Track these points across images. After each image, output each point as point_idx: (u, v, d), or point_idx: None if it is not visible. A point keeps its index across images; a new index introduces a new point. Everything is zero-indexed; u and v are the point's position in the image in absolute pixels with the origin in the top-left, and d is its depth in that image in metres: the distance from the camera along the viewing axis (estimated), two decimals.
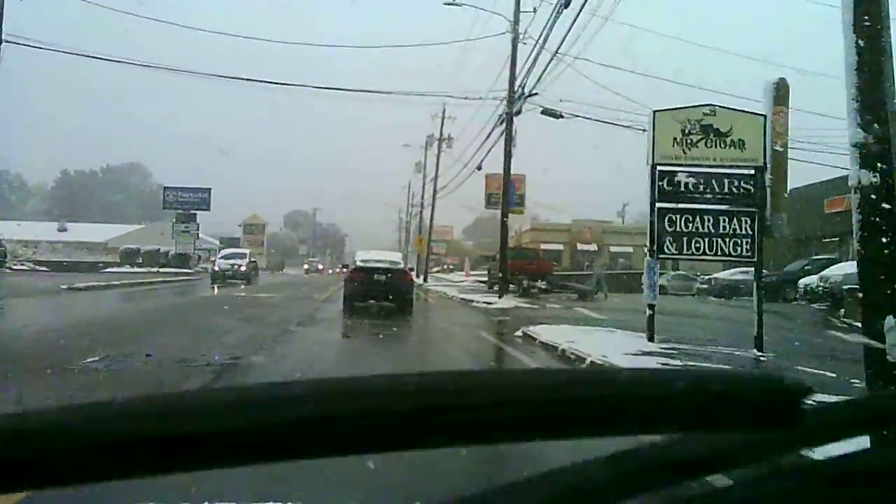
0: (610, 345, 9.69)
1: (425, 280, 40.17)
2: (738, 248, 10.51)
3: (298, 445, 0.41)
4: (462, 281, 40.82)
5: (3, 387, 6.04)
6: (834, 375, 8.08)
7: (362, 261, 17.33)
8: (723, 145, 10.60)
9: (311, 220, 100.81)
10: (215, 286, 27.67)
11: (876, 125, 5.18)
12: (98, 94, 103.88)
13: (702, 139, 10.62)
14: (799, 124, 14.48)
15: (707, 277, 32.51)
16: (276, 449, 0.41)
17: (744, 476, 0.48)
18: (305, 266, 71.71)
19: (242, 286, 27.93)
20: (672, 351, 9.38)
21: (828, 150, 26.09)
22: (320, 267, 74.22)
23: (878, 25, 5.26)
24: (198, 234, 46.98)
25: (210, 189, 48.77)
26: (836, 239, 30.12)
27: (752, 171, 10.54)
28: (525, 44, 19.56)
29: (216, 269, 31.12)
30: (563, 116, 19.40)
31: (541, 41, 17.43)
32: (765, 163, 10.52)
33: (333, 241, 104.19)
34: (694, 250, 10.56)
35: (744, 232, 10.51)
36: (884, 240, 5.10)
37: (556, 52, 17.06)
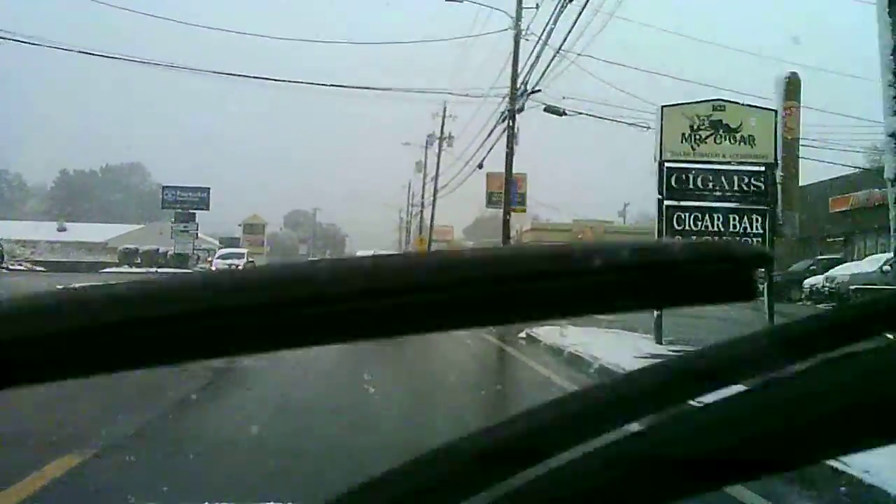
0: (618, 347, 9.39)
1: None
2: None
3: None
4: None
5: None
6: None
7: None
8: (732, 141, 10.33)
9: (311, 220, 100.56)
10: None
11: None
12: (98, 94, 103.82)
13: (711, 135, 10.34)
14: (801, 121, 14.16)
15: None
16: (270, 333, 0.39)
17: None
18: None
19: None
20: (681, 353, 9.07)
21: (829, 147, 25.83)
22: None
23: None
24: (196, 234, 46.72)
25: (209, 188, 48.53)
26: (841, 239, 29.85)
27: (763, 168, 10.27)
28: (527, 40, 19.27)
29: (212, 269, 30.76)
30: (566, 114, 19.12)
31: (544, 37, 17.15)
32: (776, 159, 10.23)
33: (333, 241, 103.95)
34: None
35: (755, 231, 10.24)
36: None
37: (560, 48, 16.78)
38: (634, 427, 0.39)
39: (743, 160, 10.31)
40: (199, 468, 3.62)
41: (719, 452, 0.38)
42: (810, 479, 3.51)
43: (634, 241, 0.40)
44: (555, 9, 16.02)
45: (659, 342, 10.13)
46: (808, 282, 23.75)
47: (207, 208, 47.95)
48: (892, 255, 10.21)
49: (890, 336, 0.41)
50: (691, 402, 0.40)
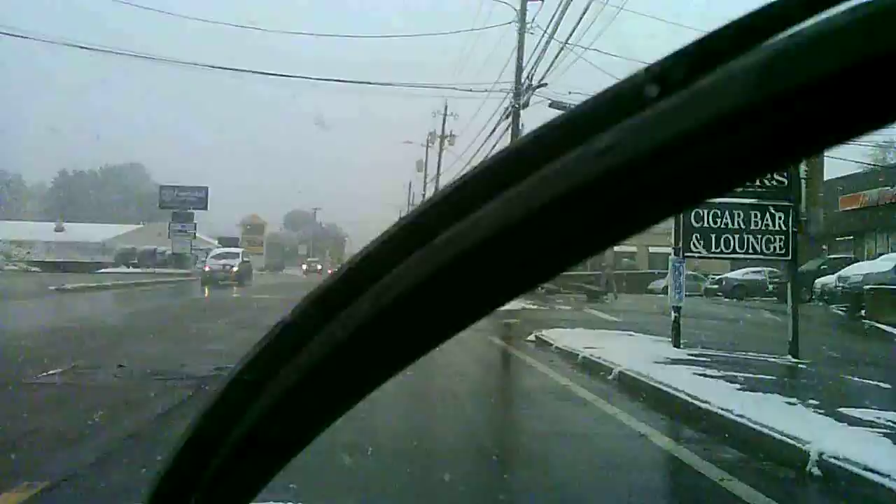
0: (634, 351, 8.83)
1: None
2: (772, 246, 9.68)
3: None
4: None
5: None
6: (889, 386, 7.26)
7: None
8: None
9: (311, 220, 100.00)
10: (206, 288, 26.61)
11: None
12: (98, 94, 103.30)
13: None
14: None
15: (717, 277, 31.60)
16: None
17: None
18: (304, 266, 70.68)
19: (235, 288, 26.94)
20: (704, 358, 8.52)
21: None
22: (319, 268, 73.19)
23: None
24: (195, 234, 46.15)
25: (207, 188, 48.00)
26: (851, 238, 29.26)
27: None
28: (532, 34, 18.74)
29: (207, 269, 30.02)
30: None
31: (549, 30, 16.60)
32: None
33: (334, 241, 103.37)
34: (723, 248, 9.70)
35: (777, 228, 9.69)
36: None
37: (567, 41, 16.23)
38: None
39: None
40: None
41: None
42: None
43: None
44: (561, 1, 15.48)
45: (676, 346, 9.59)
46: (819, 281, 23.15)
47: (206, 208, 47.41)
48: None
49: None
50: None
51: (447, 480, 3.91)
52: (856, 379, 7.68)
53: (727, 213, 9.70)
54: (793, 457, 4.07)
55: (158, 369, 6.93)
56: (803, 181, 9.81)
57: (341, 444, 4.35)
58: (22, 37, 19.10)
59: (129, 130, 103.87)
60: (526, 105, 18.65)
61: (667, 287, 28.83)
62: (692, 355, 8.84)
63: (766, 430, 4.53)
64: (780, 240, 9.66)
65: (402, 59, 57.66)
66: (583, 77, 18.27)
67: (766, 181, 9.72)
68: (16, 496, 3.21)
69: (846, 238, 29.61)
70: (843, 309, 20.03)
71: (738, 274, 29.84)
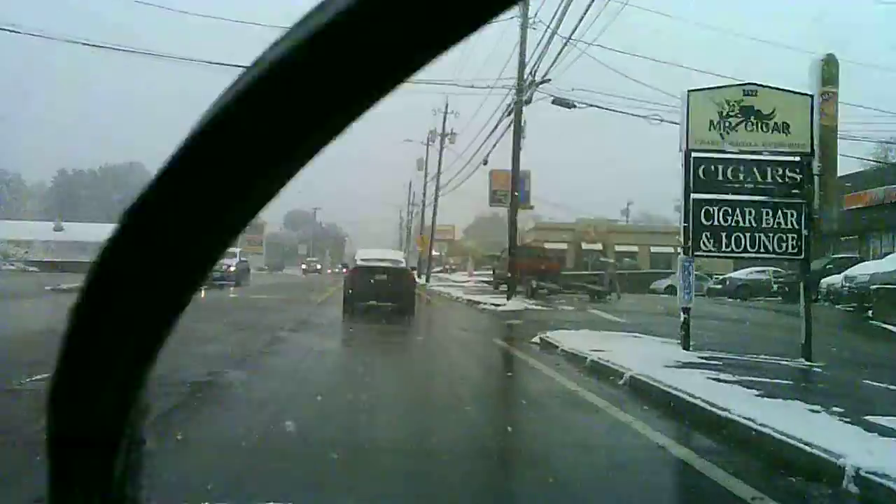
0: (643, 354, 8.54)
1: (427, 280, 39.03)
2: (784, 245, 9.40)
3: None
4: (466, 281, 39.69)
5: None
6: None
7: (363, 259, 16.42)
8: (765, 129, 9.50)
9: (310, 219, 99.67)
10: (203, 288, 26.25)
11: None
12: (97, 93, 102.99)
13: (741, 122, 9.52)
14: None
15: (721, 277, 31.29)
16: None
17: None
18: (303, 266, 70.34)
19: (233, 288, 26.62)
20: (715, 362, 8.22)
21: (840, 137, 24.93)
22: (319, 267, 72.84)
23: None
24: None
25: None
26: (856, 237, 28.92)
27: (798, 158, 9.42)
28: (535, 29, 18.44)
29: None
30: (575, 106, 18.25)
31: (552, 25, 16.31)
32: (812, 149, 9.38)
33: (334, 241, 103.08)
34: (734, 247, 9.42)
35: (789, 226, 9.41)
36: None
37: (570, 36, 15.95)
38: None
39: (777, 149, 9.45)
40: None
41: None
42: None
43: None
44: None
45: (686, 348, 9.32)
46: (825, 281, 22.81)
47: None
48: None
49: None
50: None
51: (452, 488, 3.64)
52: (875, 384, 7.40)
53: (738, 210, 9.43)
54: (826, 472, 3.79)
55: None
56: (816, 178, 9.53)
57: (335, 450, 4.06)
58: (22, 33, 18.75)
59: (128, 129, 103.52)
60: (529, 101, 18.35)
61: (669, 287, 28.58)
62: (703, 358, 8.56)
63: (793, 442, 4.24)
64: (793, 238, 9.39)
65: None
66: (587, 73, 18.00)
67: (778, 178, 9.45)
68: None
69: (851, 237, 29.28)
70: (850, 309, 19.75)
71: (742, 274, 29.55)
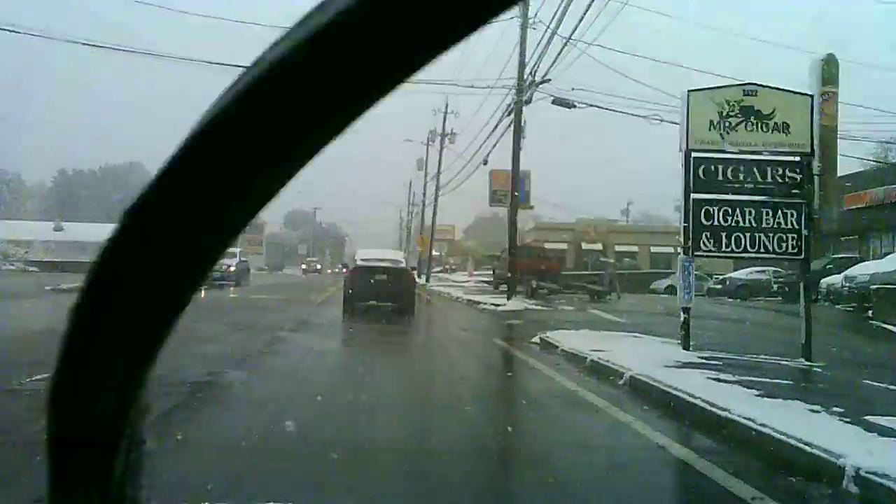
0: (643, 354, 8.55)
1: (427, 280, 39.03)
2: (784, 245, 9.41)
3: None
4: (466, 281, 39.70)
5: None
6: None
7: (363, 259, 16.42)
8: (765, 129, 9.50)
9: (310, 219, 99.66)
10: (203, 288, 26.25)
11: None
12: (97, 93, 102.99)
13: (741, 122, 9.52)
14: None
15: (721, 277, 31.29)
16: None
17: None
18: (303, 266, 70.32)
19: (233, 288, 26.63)
20: (715, 362, 8.22)
21: (840, 138, 24.93)
22: (319, 267, 72.82)
23: None
24: None
25: None
26: (856, 237, 28.91)
27: (798, 158, 9.43)
28: (535, 29, 18.44)
29: None
30: (575, 106, 18.25)
31: (552, 25, 16.31)
32: (812, 149, 9.38)
33: (334, 241, 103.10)
34: (734, 247, 9.43)
35: (789, 226, 9.41)
36: None
37: (570, 36, 15.95)
38: None
39: (777, 149, 9.46)
40: None
41: None
42: None
43: None
44: None
45: (686, 348, 9.33)
46: (825, 281, 22.81)
47: None
48: None
49: None
50: None
51: (453, 488, 3.64)
52: (875, 384, 7.40)
53: (738, 210, 9.44)
54: (826, 472, 3.79)
55: None
56: (816, 178, 9.53)
57: (335, 450, 4.06)
58: (22, 33, 18.74)
59: (128, 129, 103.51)
60: (529, 101, 18.35)
61: (669, 287, 28.56)
62: (703, 358, 8.56)
63: (793, 442, 4.24)
64: (793, 238, 9.40)
65: None
66: (587, 73, 18.00)
67: (778, 178, 9.46)
68: None
69: (851, 237, 29.27)
70: (850, 309, 19.75)
71: (741, 274, 29.55)
